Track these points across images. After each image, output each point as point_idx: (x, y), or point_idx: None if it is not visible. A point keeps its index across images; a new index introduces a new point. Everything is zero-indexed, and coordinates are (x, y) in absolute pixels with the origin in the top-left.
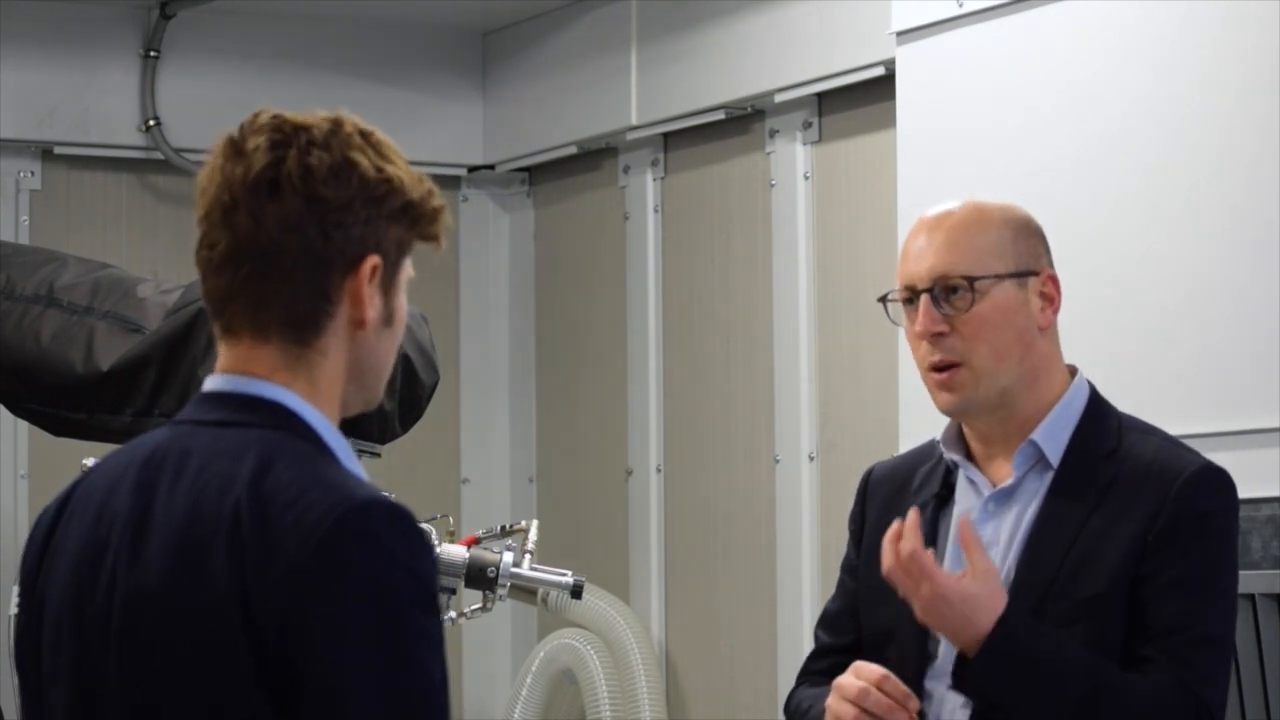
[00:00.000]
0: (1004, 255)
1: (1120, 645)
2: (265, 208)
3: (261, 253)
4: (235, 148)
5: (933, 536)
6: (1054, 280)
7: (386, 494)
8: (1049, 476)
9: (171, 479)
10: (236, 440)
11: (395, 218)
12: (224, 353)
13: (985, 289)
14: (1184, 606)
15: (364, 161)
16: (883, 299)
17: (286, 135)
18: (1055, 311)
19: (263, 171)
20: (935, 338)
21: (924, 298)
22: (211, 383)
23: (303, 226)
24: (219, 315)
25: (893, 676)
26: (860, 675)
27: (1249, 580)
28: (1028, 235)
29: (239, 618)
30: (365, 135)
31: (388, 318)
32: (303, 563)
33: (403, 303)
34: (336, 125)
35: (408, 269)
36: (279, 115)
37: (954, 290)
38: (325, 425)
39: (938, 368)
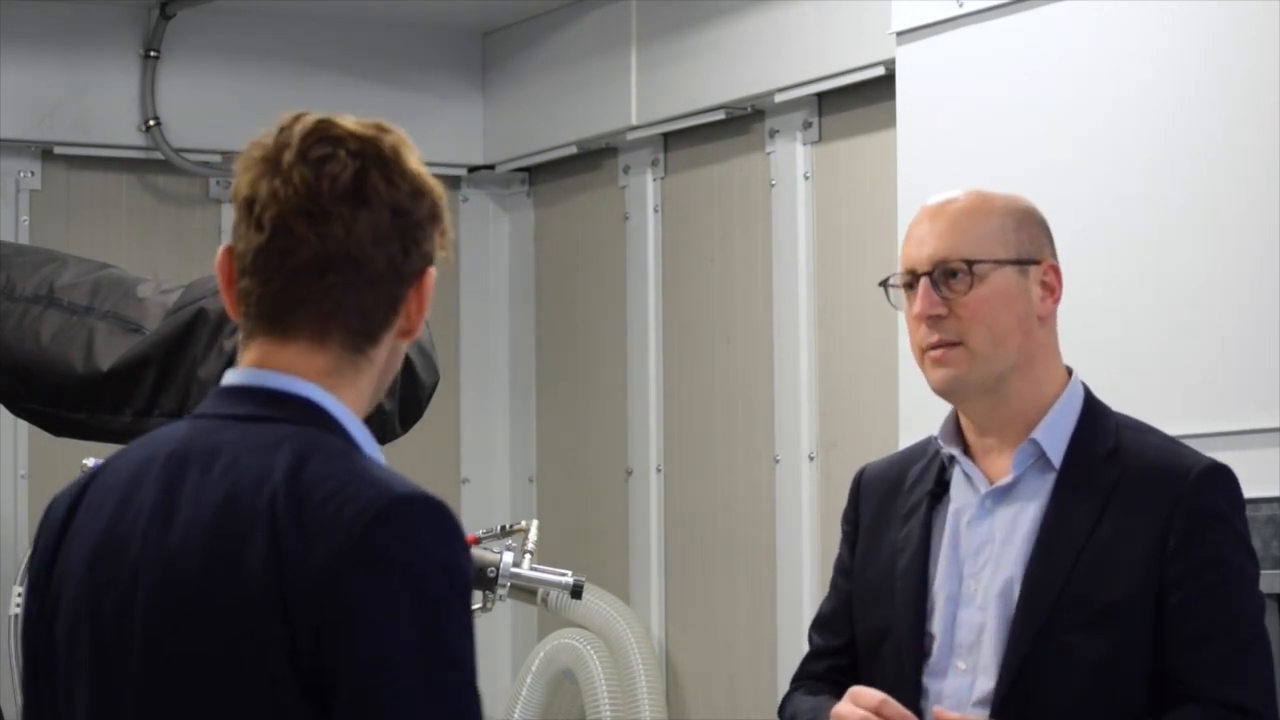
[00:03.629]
0: (1005, 242)
1: (1146, 651)
2: (358, 217)
3: (352, 262)
4: (301, 155)
5: (926, 535)
6: (1056, 270)
7: (424, 489)
8: (1050, 477)
9: (200, 473)
10: (267, 435)
11: (440, 232)
12: (257, 349)
13: (984, 273)
14: (1218, 614)
15: (424, 175)
16: (884, 283)
17: (359, 144)
18: (1056, 301)
19: (350, 182)
20: (933, 320)
21: (923, 280)
22: (233, 377)
23: (388, 239)
24: (277, 319)
25: (891, 700)
26: (859, 702)
27: None
28: (1031, 224)
29: (275, 611)
30: (409, 147)
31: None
32: (341, 556)
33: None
34: (383, 129)
35: None
36: (325, 121)
37: (953, 274)
38: (353, 421)
39: (934, 347)
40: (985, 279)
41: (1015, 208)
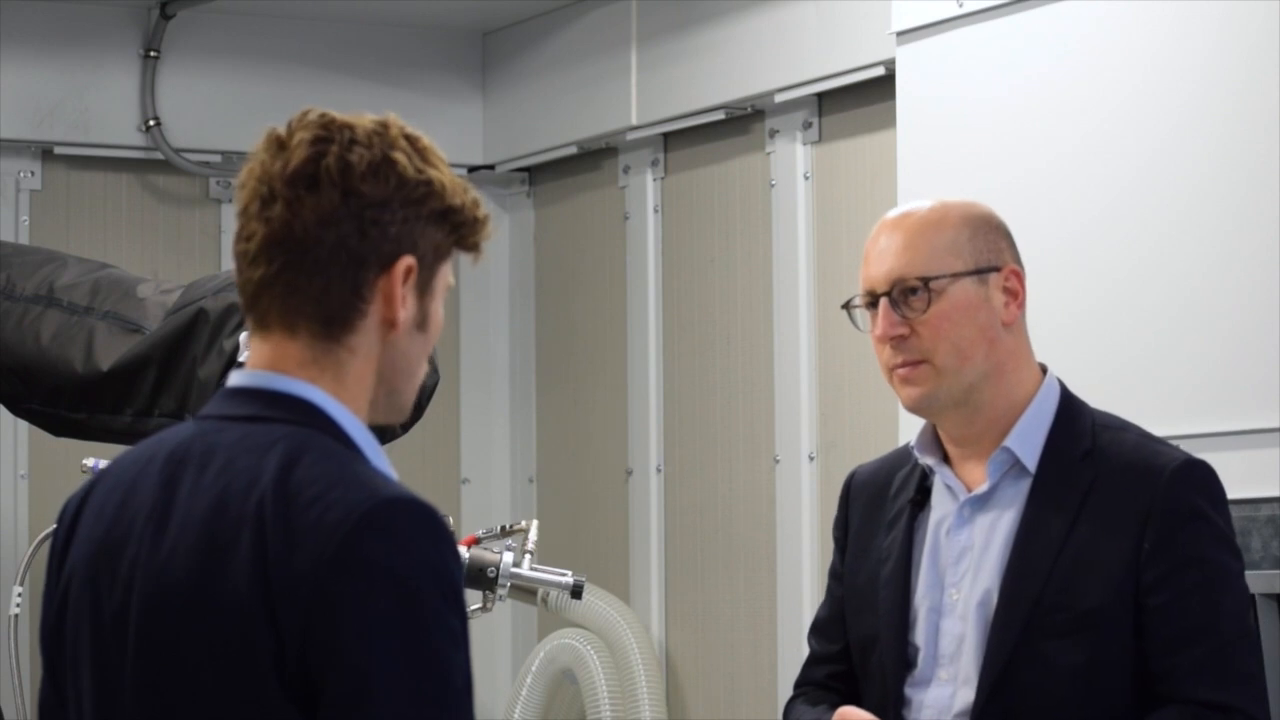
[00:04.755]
0: (960, 253)
1: (1127, 656)
2: (303, 200)
3: (297, 245)
4: (279, 143)
5: (908, 545)
6: (1018, 275)
7: (413, 492)
8: (1026, 483)
9: (196, 474)
10: (263, 436)
11: (434, 221)
12: (255, 348)
13: (942, 288)
14: (1199, 614)
15: (404, 161)
16: (846, 305)
17: (330, 132)
18: (1020, 307)
19: (302, 165)
20: (897, 340)
21: (883, 301)
22: (238, 378)
23: (339, 221)
24: (252, 309)
25: None
26: None
27: (1249, 580)
28: (987, 231)
29: (261, 614)
30: (411, 139)
31: (421, 321)
32: (325, 560)
33: (439, 309)
34: (383, 126)
35: (446, 276)
36: (326, 113)
37: (912, 291)
38: (353, 423)
39: (900, 367)
40: (943, 294)
41: (970, 216)
